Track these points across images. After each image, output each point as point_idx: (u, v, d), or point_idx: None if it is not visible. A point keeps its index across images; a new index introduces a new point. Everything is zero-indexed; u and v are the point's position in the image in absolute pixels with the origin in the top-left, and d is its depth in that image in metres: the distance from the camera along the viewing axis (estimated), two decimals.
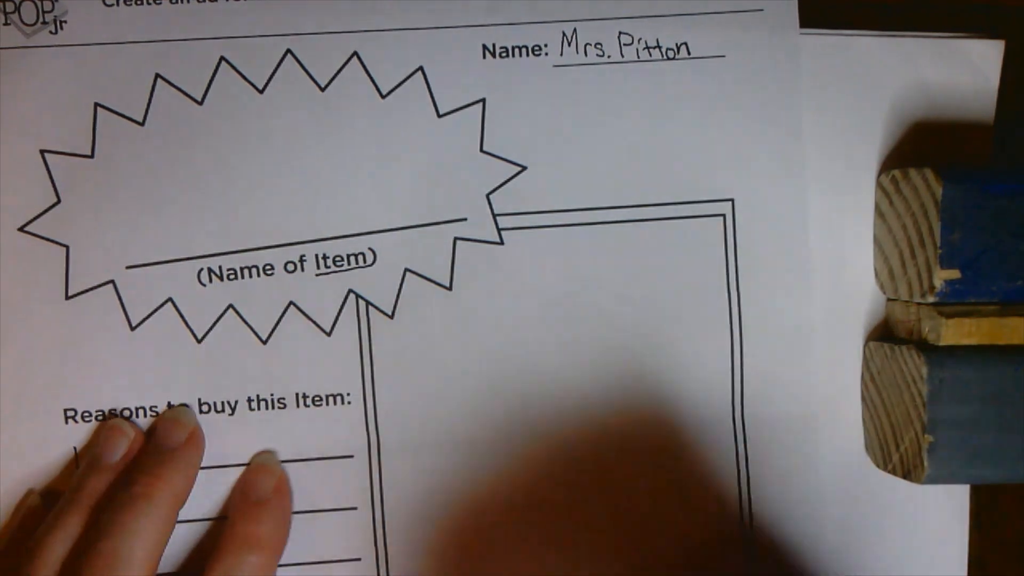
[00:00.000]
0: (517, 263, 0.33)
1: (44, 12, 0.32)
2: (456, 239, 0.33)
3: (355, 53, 0.33)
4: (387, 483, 0.33)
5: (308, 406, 0.33)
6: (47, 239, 0.32)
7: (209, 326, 0.33)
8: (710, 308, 0.33)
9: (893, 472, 0.33)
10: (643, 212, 0.33)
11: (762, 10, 0.33)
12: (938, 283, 0.31)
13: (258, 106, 0.32)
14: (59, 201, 0.32)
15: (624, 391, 0.33)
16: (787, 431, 0.34)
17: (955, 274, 0.31)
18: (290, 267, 0.33)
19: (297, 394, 0.33)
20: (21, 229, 0.32)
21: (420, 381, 0.33)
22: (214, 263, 0.32)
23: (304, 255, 0.33)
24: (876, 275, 0.34)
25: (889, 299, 0.34)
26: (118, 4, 0.32)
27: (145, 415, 0.32)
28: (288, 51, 0.32)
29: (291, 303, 0.33)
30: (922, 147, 0.34)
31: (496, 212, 0.33)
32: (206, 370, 0.33)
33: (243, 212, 0.32)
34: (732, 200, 0.33)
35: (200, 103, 0.32)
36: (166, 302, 0.32)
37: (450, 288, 0.33)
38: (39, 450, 0.32)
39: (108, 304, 0.32)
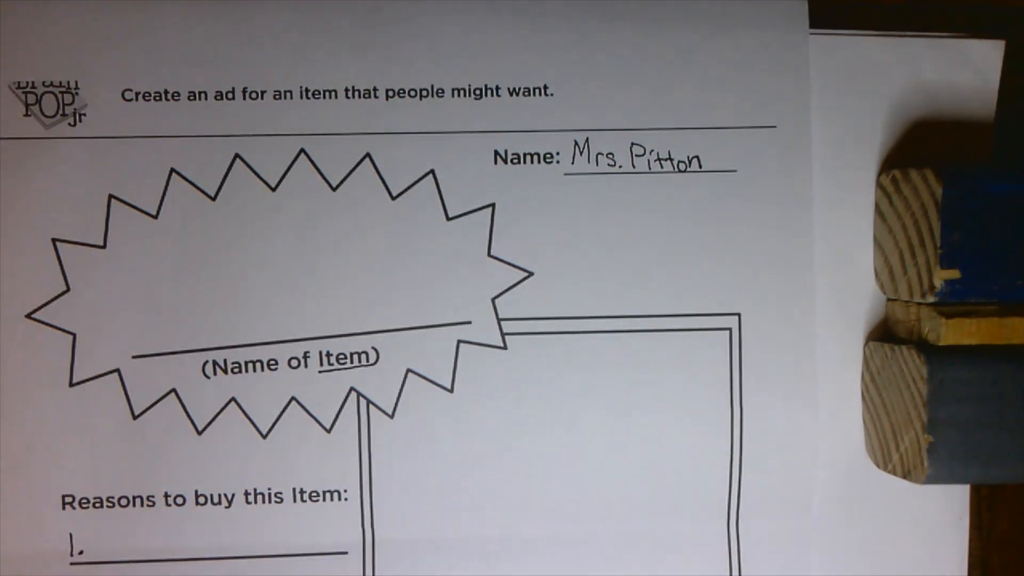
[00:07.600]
0: (520, 368, 0.33)
1: (64, 105, 0.32)
2: (459, 342, 0.33)
3: (367, 154, 0.32)
4: None
5: (305, 501, 0.33)
6: (54, 326, 0.32)
7: (211, 418, 0.33)
8: (712, 422, 0.34)
9: (893, 472, 0.33)
10: (648, 323, 0.33)
11: (775, 127, 0.33)
12: (938, 283, 0.31)
13: (270, 203, 0.32)
14: (68, 289, 0.32)
15: (618, 499, 0.34)
16: (782, 545, 0.34)
17: (955, 274, 0.31)
18: (294, 363, 0.33)
19: (295, 489, 0.33)
20: (29, 316, 0.32)
21: (419, 480, 0.33)
22: (219, 356, 0.33)
23: (308, 351, 0.33)
24: (876, 275, 0.34)
25: (889, 299, 0.34)
26: (136, 99, 0.32)
27: (142, 504, 0.33)
28: (302, 150, 0.32)
29: (293, 398, 0.33)
30: (922, 147, 0.34)
31: (501, 316, 0.33)
32: (205, 462, 0.33)
33: (250, 307, 0.33)
34: (739, 315, 0.33)
35: (213, 199, 0.32)
36: (170, 392, 0.33)
37: (451, 390, 0.33)
38: (35, 534, 0.33)
39: (112, 392, 0.33)
